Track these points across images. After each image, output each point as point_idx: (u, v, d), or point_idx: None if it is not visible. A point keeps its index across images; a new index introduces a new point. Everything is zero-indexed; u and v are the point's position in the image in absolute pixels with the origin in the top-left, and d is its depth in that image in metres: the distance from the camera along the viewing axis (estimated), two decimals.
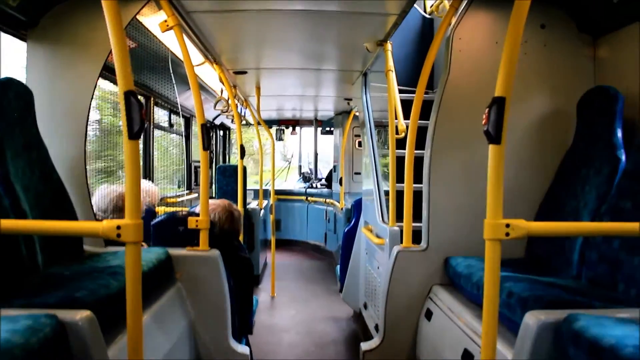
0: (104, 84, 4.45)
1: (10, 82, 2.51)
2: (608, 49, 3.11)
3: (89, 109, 3.19)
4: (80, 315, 1.80)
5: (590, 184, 2.73)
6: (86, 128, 3.19)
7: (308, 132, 11.00)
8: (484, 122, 1.72)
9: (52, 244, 2.59)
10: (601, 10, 2.99)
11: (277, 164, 8.15)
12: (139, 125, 1.71)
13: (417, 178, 3.38)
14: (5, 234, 2.07)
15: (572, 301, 2.09)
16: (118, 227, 1.69)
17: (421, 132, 3.38)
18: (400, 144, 3.66)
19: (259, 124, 7.10)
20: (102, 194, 3.79)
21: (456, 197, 3.22)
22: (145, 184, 4.42)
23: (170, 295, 2.90)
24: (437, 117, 3.20)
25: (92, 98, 3.18)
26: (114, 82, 4.34)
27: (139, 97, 1.76)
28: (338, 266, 6.43)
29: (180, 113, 6.63)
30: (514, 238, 1.71)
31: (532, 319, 1.90)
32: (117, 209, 3.81)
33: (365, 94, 4.91)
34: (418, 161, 3.38)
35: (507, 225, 1.70)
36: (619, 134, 2.68)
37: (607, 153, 2.67)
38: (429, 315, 3.14)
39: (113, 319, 2.16)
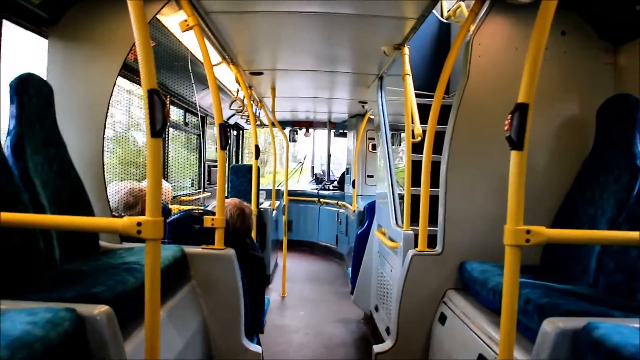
0: None
1: (31, 78, 2.53)
2: (629, 56, 3.09)
3: (108, 106, 3.21)
4: (99, 310, 1.81)
5: (609, 192, 2.71)
6: (104, 125, 3.22)
7: (321, 134, 11.01)
8: (506, 127, 1.71)
9: (69, 240, 2.61)
10: (622, 17, 2.97)
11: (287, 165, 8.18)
12: (161, 124, 1.72)
13: (432, 182, 3.37)
14: (26, 228, 2.09)
15: (590, 309, 2.07)
16: (139, 224, 1.69)
17: (436, 137, 3.37)
18: (415, 148, 3.65)
19: (273, 124, 7.12)
20: (111, 192, 3.81)
21: (473, 202, 3.21)
22: None
23: (184, 293, 2.92)
24: (456, 121, 3.19)
25: (111, 95, 3.20)
26: (132, 81, 4.37)
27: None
28: (349, 268, 6.42)
29: (198, 113, 6.66)
30: (534, 244, 1.70)
31: (551, 326, 1.89)
32: (127, 206, 3.82)
33: (381, 97, 4.90)
34: (433, 165, 3.37)
35: (528, 232, 1.69)
36: (639, 142, 2.66)
37: (627, 161, 2.65)
38: (442, 319, 3.13)
39: (129, 314, 2.18)
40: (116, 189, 3.91)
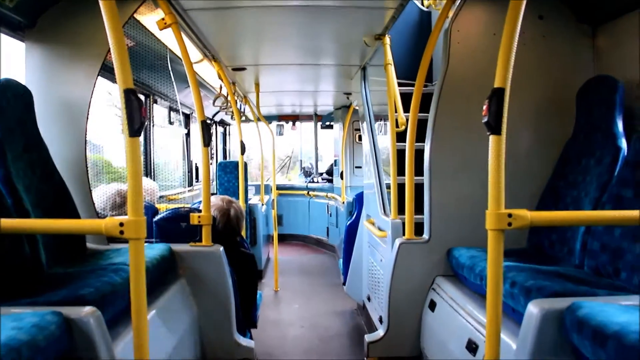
0: None
1: (9, 84, 2.51)
2: (607, 38, 3.11)
3: (89, 107, 3.19)
4: (86, 311, 1.80)
5: (591, 174, 2.74)
6: (86, 127, 3.20)
7: (308, 126, 10.98)
8: (484, 113, 1.72)
9: (55, 243, 2.60)
10: None
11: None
12: (139, 123, 1.72)
13: (418, 170, 3.38)
14: (8, 233, 2.08)
15: (575, 290, 2.09)
16: (121, 224, 1.69)
17: (420, 125, 3.38)
18: (400, 137, 3.66)
19: (258, 120, 7.10)
20: (99, 193, 3.81)
21: (457, 188, 3.23)
22: (143, 181, 4.44)
23: (174, 291, 2.91)
24: (437, 109, 3.20)
25: (91, 97, 3.18)
26: (114, 81, 4.35)
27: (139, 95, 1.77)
28: (341, 260, 6.43)
29: (180, 110, 6.62)
30: (516, 228, 1.71)
31: (536, 308, 1.91)
32: (115, 206, 3.83)
33: (365, 88, 4.90)
34: (418, 154, 3.38)
35: (510, 215, 1.70)
36: (619, 123, 2.68)
37: (608, 142, 2.68)
38: (432, 306, 3.15)
39: (118, 315, 2.17)
40: (103, 191, 3.91)
